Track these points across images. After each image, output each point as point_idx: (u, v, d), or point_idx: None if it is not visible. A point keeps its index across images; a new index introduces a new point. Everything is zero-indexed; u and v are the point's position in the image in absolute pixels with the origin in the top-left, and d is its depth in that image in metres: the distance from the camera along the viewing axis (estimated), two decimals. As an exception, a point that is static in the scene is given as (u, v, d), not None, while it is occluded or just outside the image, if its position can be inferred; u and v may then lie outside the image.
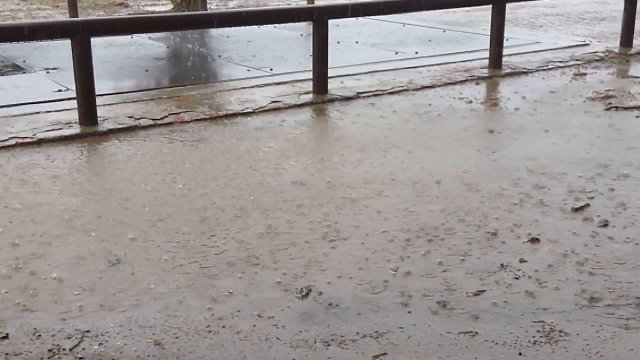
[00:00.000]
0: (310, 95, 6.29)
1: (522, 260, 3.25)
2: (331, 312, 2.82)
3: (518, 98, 6.29)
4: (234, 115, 5.72)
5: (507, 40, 7.90)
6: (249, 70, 7.49)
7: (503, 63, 7.46)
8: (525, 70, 7.39)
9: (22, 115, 5.60)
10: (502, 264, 3.21)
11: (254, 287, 3.02)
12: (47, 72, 7.35)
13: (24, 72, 7.45)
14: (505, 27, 7.54)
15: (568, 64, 7.74)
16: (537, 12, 12.16)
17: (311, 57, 6.43)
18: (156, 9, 13.72)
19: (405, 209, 3.82)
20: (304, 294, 2.96)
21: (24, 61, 7.97)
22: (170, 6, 13.73)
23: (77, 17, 11.22)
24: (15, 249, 3.37)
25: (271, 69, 7.45)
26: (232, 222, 3.65)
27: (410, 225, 3.61)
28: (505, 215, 3.74)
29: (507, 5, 7.52)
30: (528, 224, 3.63)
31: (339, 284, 3.04)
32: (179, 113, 5.69)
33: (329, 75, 6.45)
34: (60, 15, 12.47)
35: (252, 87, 6.65)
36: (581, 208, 3.82)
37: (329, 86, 6.42)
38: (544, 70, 7.43)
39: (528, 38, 9.45)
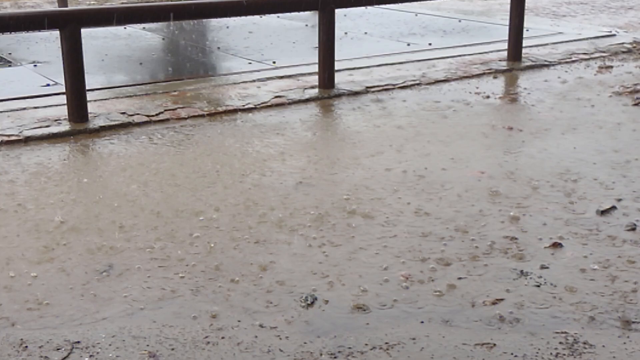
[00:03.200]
0: (316, 90, 6.29)
1: (543, 267, 3.24)
2: (338, 322, 2.82)
3: (539, 92, 6.28)
4: (234, 111, 5.72)
5: (527, 30, 7.90)
6: (250, 63, 7.51)
7: (523, 55, 7.45)
8: (546, 62, 7.38)
9: (7, 111, 5.62)
10: (522, 271, 3.21)
11: (255, 295, 3.02)
12: (35, 66, 7.38)
13: (10, 66, 7.49)
14: (526, 17, 7.54)
15: (593, 55, 7.73)
16: (560, 0, 12.15)
17: (317, 49, 6.43)
18: (151, -3, 13.73)
19: (417, 212, 3.81)
20: (308, 302, 2.96)
21: (10, 54, 8.00)
22: (166, -5, 13.75)
23: (67, 6, 11.26)
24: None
25: (274, 62, 7.46)
26: (231, 226, 3.65)
27: (424, 229, 3.61)
28: (526, 218, 3.74)
29: (527, -7, 7.52)
30: (550, 228, 3.62)
31: (345, 292, 3.04)
32: (176, 109, 5.70)
33: (336, 68, 6.46)
34: (49, 5, 12.51)
35: (254, 81, 6.67)
36: (607, 211, 3.81)
37: (336, 80, 6.42)
38: (566, 62, 7.42)
39: (550, 28, 9.44)
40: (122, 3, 12.39)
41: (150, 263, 3.28)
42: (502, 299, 2.97)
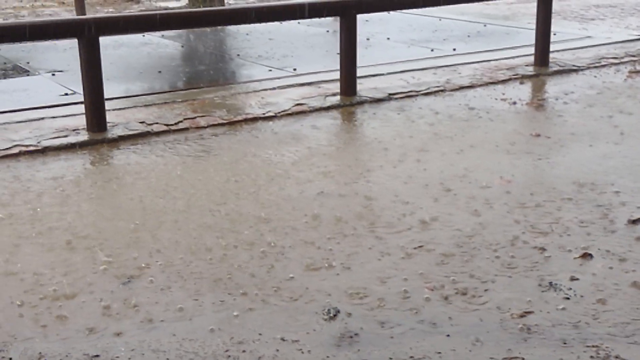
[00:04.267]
0: (338, 97, 6.30)
1: (573, 278, 3.21)
2: (361, 335, 2.81)
3: (567, 99, 6.24)
4: (254, 119, 5.74)
5: (554, 34, 7.86)
6: (270, 70, 7.53)
7: (550, 60, 7.41)
8: (574, 67, 7.33)
9: (26, 121, 5.68)
10: (550, 282, 3.18)
11: (276, 308, 3.02)
12: (53, 75, 7.45)
13: (28, 75, 7.57)
14: (553, 21, 7.50)
15: (623, 60, 7.67)
16: (588, 4, 12.07)
17: (338, 56, 6.44)
18: (170, 4, 13.87)
19: (441, 221, 3.80)
20: (331, 315, 2.95)
21: (28, 63, 8.09)
22: (184, 2, 13.87)
23: (85, 14, 11.38)
24: (15, 265, 3.41)
25: (295, 69, 7.49)
26: (250, 237, 3.66)
27: (448, 240, 3.60)
28: (554, 228, 3.71)
29: (554, -4, 7.48)
30: (579, 238, 3.59)
31: (368, 304, 3.03)
32: (195, 118, 5.73)
33: (358, 75, 6.46)
34: (67, 13, 12.65)
35: (274, 88, 6.69)
36: (638, 220, 3.78)
37: (358, 87, 6.42)
38: (595, 67, 7.37)
39: (578, 32, 9.39)
40: (141, 10, 12.50)
41: (170, 276, 3.30)
42: (530, 312, 2.95)
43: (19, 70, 7.78)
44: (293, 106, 6.05)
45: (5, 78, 7.46)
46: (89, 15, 11.49)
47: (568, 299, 3.05)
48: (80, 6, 11.64)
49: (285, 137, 5.31)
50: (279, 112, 5.90)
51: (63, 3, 14.11)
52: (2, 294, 3.15)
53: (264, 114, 5.85)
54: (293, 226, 3.78)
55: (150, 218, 3.92)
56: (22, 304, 3.07)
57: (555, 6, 7.69)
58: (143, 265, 3.39)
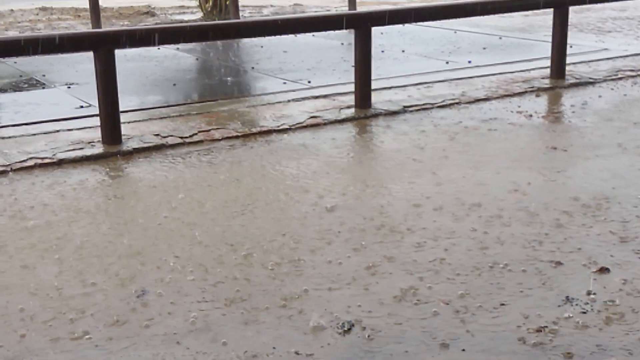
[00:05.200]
0: (352, 110, 6.31)
1: (590, 293, 3.19)
2: (376, 349, 2.80)
3: (584, 111, 6.22)
4: (269, 132, 5.76)
5: (570, 47, 7.84)
6: (284, 83, 7.56)
7: (566, 72, 7.39)
8: (591, 80, 7.31)
9: (41, 133, 5.72)
10: (567, 297, 3.16)
11: (290, 321, 3.02)
12: (68, 87, 7.51)
13: (44, 88, 7.63)
14: (569, 33, 7.48)
15: (640, 72, 7.64)
16: (605, 16, 12.04)
17: (353, 68, 6.46)
18: (184, 17, 13.95)
19: (459, 236, 3.79)
20: (345, 329, 2.95)
21: (44, 75, 8.16)
22: (199, 14, 13.95)
23: (101, 27, 11.47)
24: (29, 280, 3.43)
25: (309, 82, 7.51)
26: (264, 251, 3.66)
27: (464, 254, 3.58)
28: (571, 242, 3.69)
29: (571, 8, 7.46)
30: (596, 252, 3.57)
31: (384, 318, 3.03)
32: (209, 130, 5.76)
33: (373, 87, 6.47)
34: (82, 26, 12.76)
35: (289, 101, 6.71)
36: (657, 234, 3.75)
37: (373, 99, 6.43)
38: (612, 80, 7.35)
39: (594, 44, 9.36)
40: (157, 23, 12.59)
41: (183, 289, 3.30)
42: (546, 326, 2.93)
43: (35, 83, 7.85)
44: (308, 119, 6.06)
45: (21, 91, 7.53)
46: (106, 27, 11.59)
47: (585, 313, 3.03)
48: (96, 19, 11.74)
49: (299, 150, 5.32)
50: (294, 125, 5.91)
51: (79, 16, 14.23)
52: (12, 301, 3.17)
53: (278, 126, 5.87)
54: (306, 240, 3.78)
55: (164, 231, 3.93)
56: (34, 316, 3.08)
57: (571, 18, 7.67)
58: (156, 278, 3.40)
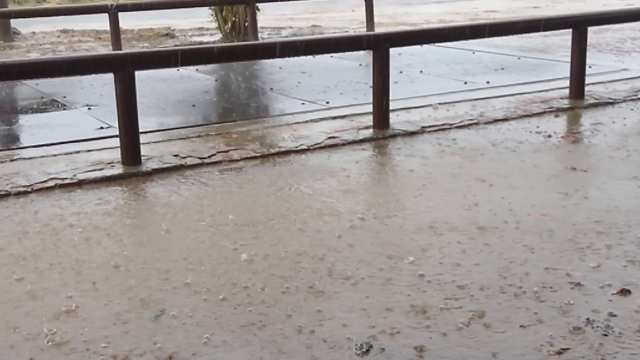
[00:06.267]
0: (370, 131, 6.32)
1: (611, 314, 3.16)
2: (394, 371, 2.79)
3: (603, 132, 6.19)
4: (287, 152, 5.78)
5: (589, 67, 7.83)
6: (303, 103, 7.59)
7: (586, 93, 7.37)
8: (611, 100, 7.28)
9: (62, 154, 5.78)
10: (588, 319, 3.14)
11: (307, 342, 3.02)
12: (89, 109, 7.59)
13: (65, 109, 7.72)
14: (588, 53, 7.47)
15: (660, 93, 7.60)
16: (624, 36, 12.01)
17: (371, 89, 6.48)
18: (204, 39, 14.07)
19: (479, 258, 3.78)
20: (364, 350, 2.94)
21: (65, 97, 8.26)
22: (218, 36, 14.07)
23: (121, 49, 11.60)
24: (47, 301, 3.45)
25: (327, 102, 7.54)
26: (281, 272, 3.67)
27: (484, 275, 3.57)
28: (591, 263, 3.67)
29: (589, 28, 7.45)
30: (617, 274, 3.55)
31: (402, 339, 3.02)
32: (228, 151, 5.79)
33: (391, 108, 6.48)
34: (103, 48, 12.91)
35: (307, 122, 6.73)
36: (678, 255, 3.72)
37: (391, 120, 6.44)
38: (632, 100, 7.31)
39: (614, 65, 9.33)
40: (176, 45, 12.70)
41: (198, 311, 3.31)
42: (567, 349, 2.91)
43: (56, 105, 7.94)
44: (326, 139, 6.08)
45: (42, 112, 7.62)
46: (126, 49, 11.72)
47: (606, 335, 3.00)
48: (116, 41, 11.88)
49: (317, 170, 5.33)
50: (312, 145, 5.93)
51: (100, 38, 14.40)
52: (27, 320, 3.19)
53: (296, 147, 5.89)
54: (324, 260, 3.78)
55: (182, 251, 3.95)
56: (52, 332, 3.10)
57: (590, 39, 7.66)
58: (173, 300, 3.41)
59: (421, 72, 9.25)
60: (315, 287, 3.49)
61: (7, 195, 4.90)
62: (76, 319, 3.25)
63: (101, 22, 13.58)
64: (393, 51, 6.50)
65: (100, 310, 3.32)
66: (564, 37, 10.03)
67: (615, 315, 3.15)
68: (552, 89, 7.80)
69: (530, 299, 3.32)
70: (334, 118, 6.81)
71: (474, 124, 6.54)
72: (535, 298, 3.33)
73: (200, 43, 13.12)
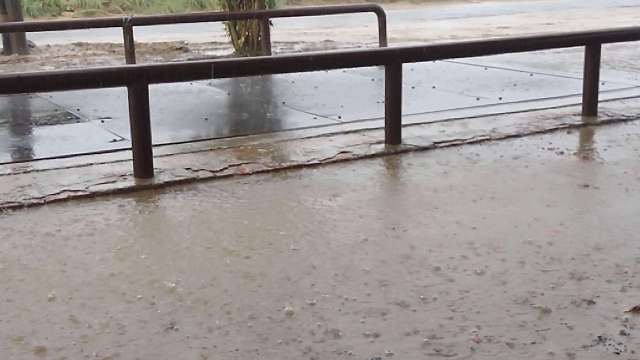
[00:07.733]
0: (382, 145, 6.32)
1: (623, 333, 3.14)
2: (405, 387, 2.78)
3: (616, 149, 6.17)
4: (299, 166, 5.79)
5: (602, 84, 7.80)
6: (315, 118, 7.61)
7: (599, 110, 7.35)
8: (624, 117, 7.26)
9: (75, 166, 5.80)
10: (600, 337, 3.12)
11: (318, 357, 3.01)
12: (102, 122, 7.63)
13: (78, 121, 7.76)
14: (601, 70, 7.45)
15: (674, 110, 7.57)
16: (637, 53, 11.98)
17: (383, 104, 6.49)
18: (217, 53, 14.14)
19: (490, 274, 3.76)
20: (374, 366, 2.93)
21: (78, 109, 8.30)
22: (231, 50, 14.13)
23: (135, 62, 11.67)
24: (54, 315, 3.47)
25: (339, 117, 7.55)
26: (293, 290, 3.67)
27: (495, 294, 3.55)
28: (603, 280, 3.65)
29: (603, 45, 7.44)
30: (629, 291, 3.52)
31: (413, 353, 3.00)
32: (240, 164, 5.80)
33: (403, 123, 6.49)
34: (117, 61, 12.98)
35: (319, 136, 6.74)
36: (692, 274, 3.69)
37: (403, 135, 6.44)
38: (645, 117, 7.29)
39: (627, 82, 9.31)
40: (190, 59, 12.77)
41: (208, 326, 3.31)
42: (579, 367, 2.89)
43: (69, 117, 7.98)
44: (337, 154, 6.08)
45: (56, 124, 7.67)
46: (139, 63, 11.79)
47: (618, 354, 2.98)
48: (130, 54, 11.95)
49: (329, 184, 5.34)
50: (324, 160, 5.94)
51: (114, 51, 14.49)
52: (41, 331, 3.20)
53: (308, 161, 5.90)
54: (335, 277, 3.78)
55: (193, 266, 3.95)
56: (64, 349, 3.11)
57: (603, 56, 7.65)
58: (182, 311, 3.42)
59: (433, 87, 9.26)
60: (323, 299, 3.48)
61: (20, 206, 4.92)
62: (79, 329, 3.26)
63: (115, 35, 13.67)
64: (405, 66, 6.51)
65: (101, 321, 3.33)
66: (577, 53, 10.03)
67: (627, 334, 3.13)
68: (564, 106, 7.78)
69: (542, 314, 3.30)
70: (346, 133, 6.82)
71: (486, 139, 6.53)
72: (547, 314, 3.30)
73: (213, 57, 13.18)
